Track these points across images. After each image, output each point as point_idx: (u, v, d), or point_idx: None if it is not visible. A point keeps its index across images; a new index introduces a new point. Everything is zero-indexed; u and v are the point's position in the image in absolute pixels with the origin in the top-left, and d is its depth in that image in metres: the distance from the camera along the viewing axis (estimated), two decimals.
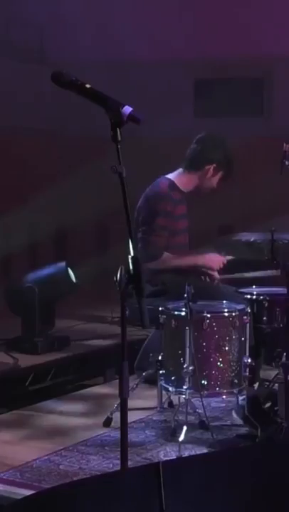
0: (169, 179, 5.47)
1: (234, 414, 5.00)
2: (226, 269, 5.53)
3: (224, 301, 4.93)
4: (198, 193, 5.56)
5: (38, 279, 6.45)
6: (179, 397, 4.83)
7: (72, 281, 6.51)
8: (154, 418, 5.16)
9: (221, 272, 5.45)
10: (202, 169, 5.47)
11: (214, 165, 5.47)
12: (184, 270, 5.32)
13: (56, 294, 6.51)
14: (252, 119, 9.79)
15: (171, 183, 5.45)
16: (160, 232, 5.31)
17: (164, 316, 4.79)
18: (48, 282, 6.41)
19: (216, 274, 5.43)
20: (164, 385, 4.82)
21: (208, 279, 5.47)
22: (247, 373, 4.75)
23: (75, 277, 6.54)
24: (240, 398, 4.87)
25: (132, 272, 3.38)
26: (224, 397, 4.81)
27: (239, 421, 4.90)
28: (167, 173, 5.56)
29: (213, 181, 5.52)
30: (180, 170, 5.51)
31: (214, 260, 5.42)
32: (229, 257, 5.47)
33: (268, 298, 5.00)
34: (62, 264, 6.66)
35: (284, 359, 4.68)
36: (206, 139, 5.55)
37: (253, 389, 4.91)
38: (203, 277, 5.49)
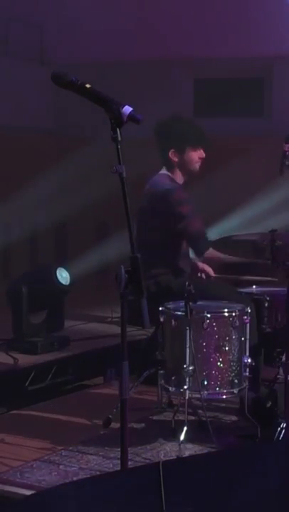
0: (163, 174, 5.47)
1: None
2: (224, 269, 5.54)
3: (224, 301, 4.93)
4: (192, 173, 5.50)
5: (28, 280, 6.43)
6: (179, 397, 4.82)
7: (62, 284, 6.45)
8: (154, 418, 5.15)
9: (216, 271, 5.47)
10: (170, 160, 5.44)
11: (172, 150, 5.42)
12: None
13: (45, 296, 6.47)
14: (252, 119, 9.79)
15: (169, 177, 5.46)
16: (194, 220, 5.29)
17: (164, 316, 4.79)
18: (36, 284, 6.38)
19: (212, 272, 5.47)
20: (164, 385, 4.82)
21: (204, 276, 5.49)
22: (247, 373, 4.75)
23: (70, 278, 6.49)
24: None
25: (132, 271, 3.38)
26: (224, 397, 4.81)
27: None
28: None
29: (190, 158, 5.44)
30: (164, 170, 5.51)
31: None
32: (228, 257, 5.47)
33: (268, 298, 5.00)
34: (53, 266, 6.60)
35: (284, 359, 4.68)
36: (154, 132, 5.49)
37: (254, 388, 4.90)
38: (200, 274, 5.51)
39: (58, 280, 6.40)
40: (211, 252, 5.30)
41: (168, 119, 5.46)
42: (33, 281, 6.40)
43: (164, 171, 5.49)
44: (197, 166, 5.49)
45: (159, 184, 5.39)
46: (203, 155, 5.49)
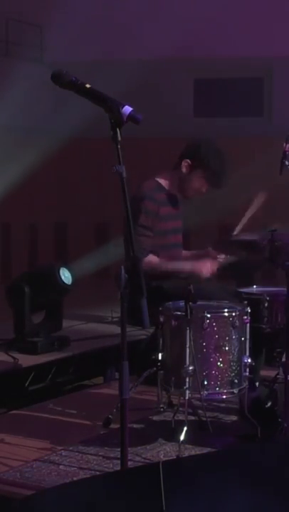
0: (154, 180, 5.45)
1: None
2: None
3: (224, 301, 4.93)
4: (183, 194, 5.50)
5: (30, 280, 6.43)
6: (179, 397, 4.82)
7: (64, 284, 6.46)
8: (154, 418, 5.15)
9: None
10: (179, 167, 5.44)
11: (188, 161, 5.40)
12: (169, 274, 5.29)
13: (47, 296, 6.47)
14: (252, 119, 9.80)
15: (157, 184, 5.43)
16: (143, 232, 5.25)
17: (164, 316, 4.79)
18: (38, 283, 6.39)
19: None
20: (164, 385, 4.82)
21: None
22: (247, 373, 4.75)
23: (72, 278, 6.50)
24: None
25: (132, 271, 3.38)
26: (224, 397, 4.81)
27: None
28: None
29: (194, 181, 5.43)
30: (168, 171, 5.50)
31: (203, 267, 5.35)
32: (223, 258, 5.44)
33: (268, 298, 5.00)
34: (56, 265, 6.60)
35: (284, 359, 4.67)
36: (191, 140, 5.50)
37: (254, 389, 4.90)
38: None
39: (61, 280, 6.41)
40: (148, 261, 5.24)
41: (212, 142, 5.49)
42: (36, 281, 6.40)
43: (164, 174, 5.46)
44: (192, 193, 5.47)
45: (137, 188, 5.36)
46: (204, 191, 5.46)
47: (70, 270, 6.54)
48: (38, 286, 6.36)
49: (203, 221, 8.56)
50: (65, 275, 6.47)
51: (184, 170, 5.41)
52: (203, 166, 5.39)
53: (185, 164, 5.41)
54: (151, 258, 5.30)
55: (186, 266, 5.39)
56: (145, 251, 5.24)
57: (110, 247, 8.32)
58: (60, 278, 6.40)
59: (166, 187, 5.45)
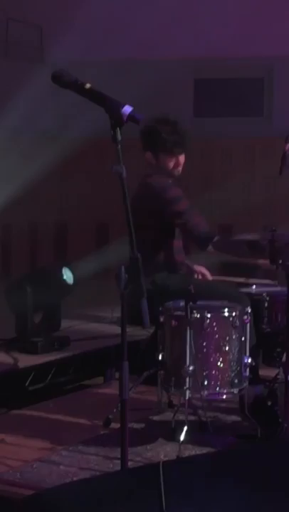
0: (149, 176, 5.46)
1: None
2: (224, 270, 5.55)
3: (224, 301, 4.93)
4: (171, 175, 5.45)
5: (33, 280, 6.43)
6: (179, 397, 4.82)
7: (67, 283, 6.47)
8: (154, 418, 5.15)
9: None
10: (148, 162, 5.40)
11: (148, 152, 5.37)
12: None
13: (50, 296, 6.48)
14: (252, 119, 9.80)
15: (159, 177, 5.45)
16: (195, 213, 5.26)
17: (164, 316, 4.79)
18: (41, 283, 6.40)
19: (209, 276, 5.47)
20: (164, 385, 4.82)
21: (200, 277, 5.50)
22: (247, 373, 4.75)
23: (74, 278, 6.52)
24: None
25: (132, 271, 3.38)
26: (224, 397, 4.81)
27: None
28: None
29: (167, 163, 5.37)
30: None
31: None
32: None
33: (267, 298, 5.00)
34: (58, 265, 6.62)
35: (284, 359, 4.67)
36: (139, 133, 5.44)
37: (253, 388, 4.90)
38: (197, 275, 5.51)
39: (64, 279, 6.43)
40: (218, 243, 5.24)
41: (151, 121, 5.39)
42: (38, 281, 6.40)
43: (149, 172, 5.46)
44: (175, 171, 5.42)
45: (151, 183, 5.35)
46: (181, 162, 5.41)
47: (71, 270, 6.56)
48: (41, 286, 6.36)
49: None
50: (68, 275, 6.49)
51: (152, 162, 5.40)
52: (160, 147, 5.35)
53: (148, 157, 5.40)
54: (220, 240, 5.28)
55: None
56: (210, 232, 5.24)
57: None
58: (63, 278, 6.43)
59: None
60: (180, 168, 5.43)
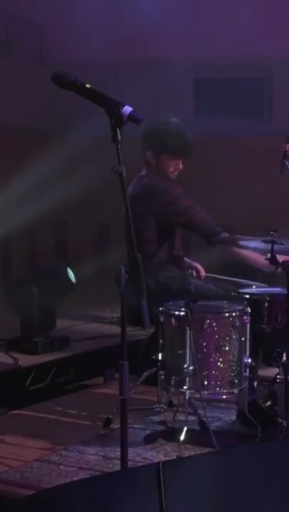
0: (145, 175, 5.46)
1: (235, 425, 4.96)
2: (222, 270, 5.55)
3: (224, 301, 4.93)
4: (167, 178, 5.42)
5: (36, 278, 6.45)
6: (179, 397, 4.82)
7: (71, 281, 6.51)
8: (154, 418, 5.15)
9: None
10: (148, 161, 5.39)
11: (150, 152, 5.34)
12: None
13: (55, 295, 6.50)
14: (252, 119, 9.80)
15: (158, 175, 5.46)
16: (197, 210, 5.24)
17: (164, 316, 4.79)
18: (46, 282, 6.41)
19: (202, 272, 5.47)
20: (164, 385, 4.82)
21: (194, 274, 5.49)
22: (247, 373, 4.75)
23: (75, 277, 6.55)
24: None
25: (132, 271, 3.38)
26: (224, 397, 4.81)
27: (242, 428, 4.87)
28: None
29: (166, 165, 5.35)
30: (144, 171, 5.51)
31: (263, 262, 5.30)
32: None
33: (267, 298, 4.99)
34: (62, 263, 6.67)
35: (284, 359, 4.67)
36: (141, 131, 5.40)
37: (251, 390, 4.90)
38: (190, 271, 5.50)
39: (69, 278, 6.46)
40: (224, 237, 5.22)
41: (155, 121, 5.39)
42: (44, 281, 6.41)
43: (143, 172, 5.46)
44: (172, 175, 5.42)
45: (151, 184, 5.33)
46: (180, 166, 5.40)
47: (72, 269, 6.58)
48: (47, 285, 6.37)
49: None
50: (71, 274, 6.52)
51: (152, 161, 5.40)
52: (162, 149, 5.33)
53: (149, 156, 5.39)
54: (226, 235, 5.25)
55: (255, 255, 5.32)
56: (215, 226, 5.23)
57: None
58: (69, 276, 6.46)
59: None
60: (176, 173, 5.43)
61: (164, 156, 5.35)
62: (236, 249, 5.27)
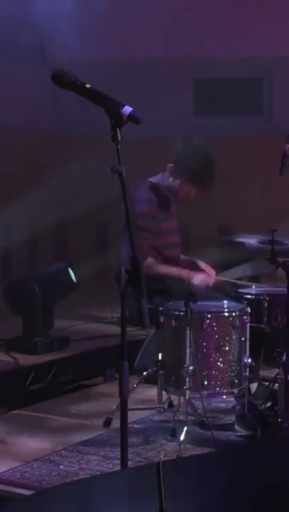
0: (150, 182, 5.43)
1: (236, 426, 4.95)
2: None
3: (224, 301, 4.93)
4: (174, 197, 5.43)
5: (39, 278, 6.46)
6: (179, 397, 4.82)
7: (73, 281, 6.52)
8: (154, 418, 5.16)
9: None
10: (166, 168, 5.42)
11: (172, 165, 5.33)
12: (166, 277, 5.27)
13: (57, 294, 6.51)
14: (252, 119, 9.79)
15: (153, 186, 5.41)
16: (141, 234, 5.20)
17: (164, 316, 4.79)
18: (48, 282, 6.42)
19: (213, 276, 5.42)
20: (164, 385, 4.82)
21: (200, 281, 5.46)
22: (247, 373, 4.75)
23: (75, 277, 6.55)
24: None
25: (132, 272, 3.38)
26: (224, 397, 4.81)
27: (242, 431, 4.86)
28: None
29: (180, 185, 5.35)
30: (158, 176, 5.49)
31: (201, 280, 5.28)
32: (221, 279, 5.40)
33: (267, 298, 5.00)
34: (63, 264, 6.67)
35: (284, 359, 4.68)
36: (183, 145, 5.43)
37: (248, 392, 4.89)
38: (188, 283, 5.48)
39: (70, 278, 6.47)
40: (147, 264, 5.21)
41: (195, 146, 5.43)
42: (47, 281, 6.41)
43: (153, 178, 5.45)
44: (181, 197, 5.41)
45: (135, 190, 5.34)
46: (191, 195, 5.39)
47: (72, 269, 6.59)
48: (48, 285, 6.37)
49: (203, 221, 8.56)
50: (72, 274, 6.53)
51: (169, 174, 5.39)
52: (185, 171, 5.32)
53: (170, 168, 5.38)
54: (150, 261, 5.27)
55: (181, 272, 5.33)
56: (144, 254, 5.20)
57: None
58: (70, 276, 6.48)
59: (160, 188, 5.43)
60: (183, 199, 5.42)
61: (182, 175, 5.33)
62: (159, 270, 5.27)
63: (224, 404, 5.29)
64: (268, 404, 4.87)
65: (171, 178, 5.37)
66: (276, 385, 4.88)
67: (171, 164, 5.36)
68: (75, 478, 4.22)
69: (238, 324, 4.73)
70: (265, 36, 9.22)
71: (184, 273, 5.31)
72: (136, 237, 5.13)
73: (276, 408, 4.77)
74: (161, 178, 5.42)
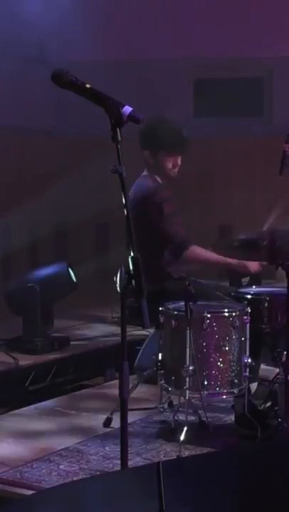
0: (144, 175, 5.49)
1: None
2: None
3: (224, 301, 4.93)
4: (167, 178, 5.49)
5: (39, 278, 6.46)
6: (179, 397, 4.82)
7: (73, 281, 6.53)
8: (154, 418, 5.15)
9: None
10: (145, 160, 5.45)
11: (146, 151, 5.42)
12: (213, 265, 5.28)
13: (57, 294, 6.52)
14: (252, 119, 9.79)
15: (148, 177, 5.48)
16: (173, 220, 5.27)
17: (164, 316, 4.79)
18: (49, 282, 6.42)
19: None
20: (164, 385, 4.82)
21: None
22: (247, 373, 4.75)
23: (75, 277, 6.56)
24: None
25: (132, 271, 3.38)
26: (224, 397, 4.81)
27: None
28: None
29: (164, 163, 5.42)
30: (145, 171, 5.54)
31: (250, 263, 5.33)
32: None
33: (267, 298, 4.99)
34: (64, 264, 6.68)
35: (284, 359, 4.67)
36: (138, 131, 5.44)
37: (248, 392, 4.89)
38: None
39: (71, 278, 6.48)
40: (193, 252, 5.26)
41: (152, 121, 5.43)
42: (47, 281, 6.41)
43: (145, 172, 5.51)
44: (172, 172, 5.47)
45: (142, 186, 5.40)
46: (179, 163, 5.45)
47: (72, 269, 6.60)
48: (48, 285, 6.38)
49: (203, 221, 8.57)
50: (71, 274, 6.54)
51: (150, 161, 5.43)
52: (159, 146, 5.40)
53: (147, 156, 5.43)
54: (196, 249, 5.29)
55: (231, 261, 5.36)
56: (186, 241, 5.25)
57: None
58: (71, 276, 6.48)
59: (154, 178, 5.50)
60: (176, 170, 5.46)
61: (160, 154, 5.40)
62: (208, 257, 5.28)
63: (224, 404, 5.28)
64: (268, 404, 4.87)
65: (152, 161, 5.43)
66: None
67: (145, 150, 5.40)
68: (75, 478, 4.21)
69: (238, 324, 4.72)
70: (265, 36, 9.23)
71: (233, 261, 5.33)
72: (167, 225, 5.21)
73: (276, 408, 4.76)
74: (147, 169, 5.46)
